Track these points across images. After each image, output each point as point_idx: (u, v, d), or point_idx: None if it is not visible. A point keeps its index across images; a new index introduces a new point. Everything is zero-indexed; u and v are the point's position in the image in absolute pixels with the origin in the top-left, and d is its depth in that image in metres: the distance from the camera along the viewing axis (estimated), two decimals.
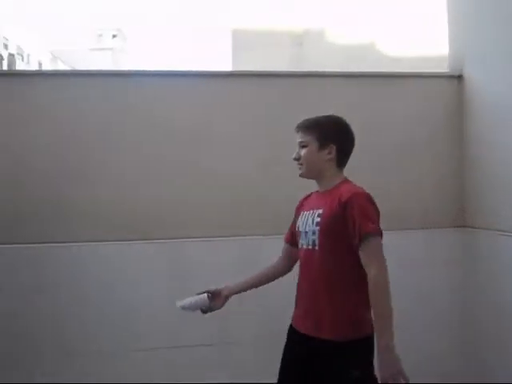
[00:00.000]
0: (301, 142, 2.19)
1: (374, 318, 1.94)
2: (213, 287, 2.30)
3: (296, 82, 3.62)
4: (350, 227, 1.99)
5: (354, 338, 2.00)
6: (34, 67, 30.36)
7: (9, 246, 3.22)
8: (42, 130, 3.34)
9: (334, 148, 2.15)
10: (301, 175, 2.22)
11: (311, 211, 2.16)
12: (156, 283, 3.35)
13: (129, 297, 3.32)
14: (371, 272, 1.94)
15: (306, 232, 2.14)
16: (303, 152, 2.17)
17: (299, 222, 2.23)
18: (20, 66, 27.29)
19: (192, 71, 3.60)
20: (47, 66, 31.11)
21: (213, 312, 2.32)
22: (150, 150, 3.42)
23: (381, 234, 2.01)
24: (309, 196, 2.32)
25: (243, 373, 3.31)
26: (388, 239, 2.06)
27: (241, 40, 10.57)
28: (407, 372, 1.85)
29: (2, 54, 24.72)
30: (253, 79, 3.59)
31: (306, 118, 2.23)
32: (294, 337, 2.18)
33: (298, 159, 2.20)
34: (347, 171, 2.23)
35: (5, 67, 23.09)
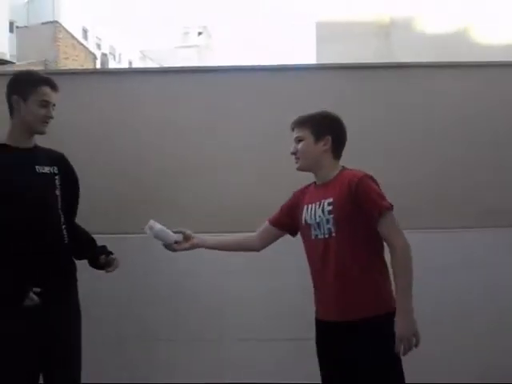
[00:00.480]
0: (297, 137, 2.31)
1: (397, 284, 2.10)
2: (188, 231, 2.46)
3: (383, 74, 3.51)
4: (365, 207, 2.13)
5: (379, 314, 2.12)
6: (124, 66, 31.68)
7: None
8: (134, 125, 3.45)
9: (329, 139, 2.28)
10: (298, 168, 2.33)
11: (317, 202, 2.25)
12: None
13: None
14: (398, 242, 2.11)
15: (318, 223, 2.23)
16: (300, 146, 2.29)
17: (305, 216, 2.30)
18: (112, 64, 28.58)
19: (277, 65, 3.59)
20: (137, 64, 32.35)
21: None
22: (245, 143, 3.42)
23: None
24: (307, 188, 2.41)
25: None
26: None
27: (325, 32, 10.45)
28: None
29: (96, 54, 26.01)
30: (339, 72, 3.52)
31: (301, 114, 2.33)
32: (322, 328, 2.27)
33: (295, 153, 2.31)
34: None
35: (98, 66, 24.26)
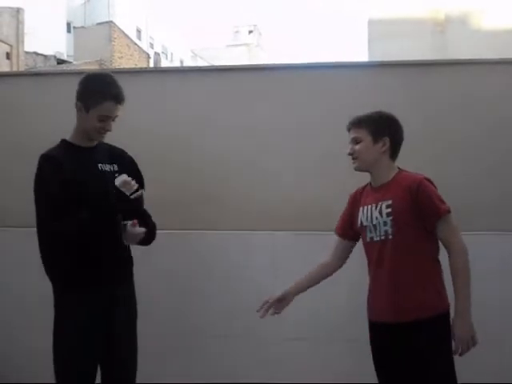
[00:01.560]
0: (354, 138, 2.28)
1: (455, 285, 2.10)
2: (278, 293, 2.38)
3: (439, 71, 3.42)
4: (425, 210, 2.13)
5: (433, 315, 2.11)
6: (176, 64, 32.18)
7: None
8: (189, 123, 3.48)
9: (387, 140, 2.24)
10: (356, 169, 2.31)
11: (373, 204, 2.23)
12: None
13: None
14: (457, 245, 2.13)
15: (375, 225, 2.21)
16: (357, 147, 2.26)
17: (361, 217, 2.28)
18: (164, 63, 29.08)
19: (329, 63, 3.56)
20: (188, 63, 32.80)
21: None
22: (299, 140, 3.41)
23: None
24: (362, 189, 2.38)
25: None
26: None
27: (377, 29, 10.29)
28: None
29: (149, 53, 26.54)
30: (391, 69, 3.45)
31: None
32: (376, 329, 2.26)
33: (351, 154, 2.28)
34: None
35: (151, 65, 24.75)
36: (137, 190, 2.29)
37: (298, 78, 3.47)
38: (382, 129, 2.25)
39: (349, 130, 2.32)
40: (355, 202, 2.37)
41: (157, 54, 26.34)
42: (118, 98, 2.32)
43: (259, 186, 3.42)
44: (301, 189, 3.38)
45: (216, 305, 3.40)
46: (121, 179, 2.28)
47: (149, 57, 25.97)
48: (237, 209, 3.41)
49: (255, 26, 44.69)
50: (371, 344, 2.30)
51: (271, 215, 3.38)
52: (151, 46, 31.95)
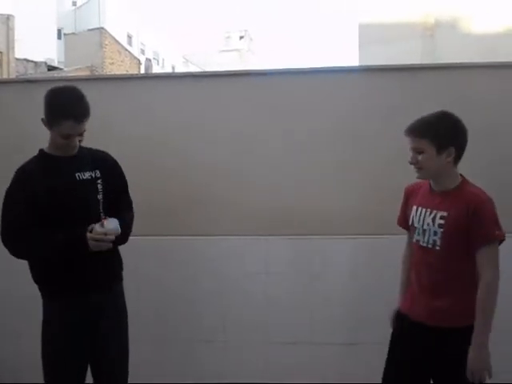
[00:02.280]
0: (416, 148, 2.16)
1: (477, 316, 2.06)
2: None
3: (429, 75, 3.43)
4: (474, 231, 2.07)
5: (466, 326, 2.10)
6: (168, 70, 32.17)
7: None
8: (178, 129, 3.48)
9: (453, 150, 2.14)
10: (419, 177, 2.24)
11: (430, 210, 2.19)
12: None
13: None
14: (487, 275, 2.07)
15: (425, 230, 2.19)
16: (420, 157, 2.15)
17: (414, 217, 2.25)
18: (155, 69, 29.05)
19: (320, 68, 3.55)
20: (179, 69, 32.81)
21: None
22: (288, 147, 3.41)
23: (502, 241, 2.12)
24: (419, 188, 2.31)
25: None
26: None
27: (367, 34, 10.34)
28: None
29: (140, 59, 26.51)
30: (383, 73, 3.46)
31: (419, 119, 2.19)
32: (403, 324, 2.29)
33: (414, 164, 2.19)
34: None
35: (142, 71, 24.71)
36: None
37: (289, 83, 3.47)
38: (446, 139, 2.13)
39: (407, 135, 2.19)
40: (410, 197, 2.34)
41: (148, 59, 26.31)
42: (77, 117, 2.23)
43: (248, 192, 3.41)
44: (291, 194, 3.39)
45: (207, 310, 3.41)
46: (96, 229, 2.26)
47: (140, 63, 25.93)
48: (226, 214, 3.42)
49: (246, 31, 44.78)
50: (397, 339, 2.32)
51: (261, 220, 3.39)
52: (142, 51, 31.94)
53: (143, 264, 3.37)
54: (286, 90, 3.45)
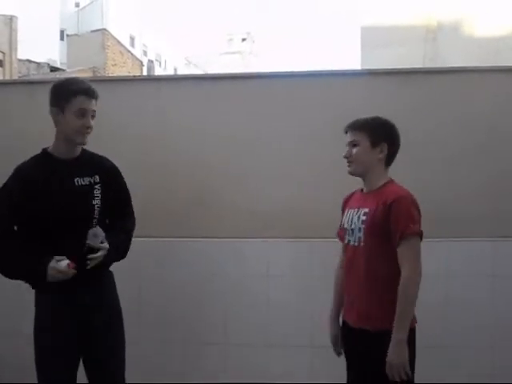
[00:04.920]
0: (352, 141, 2.25)
1: (396, 311, 2.05)
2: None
3: (432, 80, 3.43)
4: (392, 227, 2.09)
5: (384, 329, 2.07)
6: (170, 72, 32.20)
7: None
8: (179, 130, 3.48)
9: (385, 146, 2.23)
10: (350, 172, 2.29)
11: (356, 209, 2.26)
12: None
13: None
14: (407, 270, 2.07)
15: (353, 229, 2.24)
16: (355, 150, 2.24)
17: (344, 219, 2.33)
18: (157, 71, 29.10)
19: (322, 71, 3.55)
20: (182, 71, 32.84)
21: None
22: (290, 149, 3.41)
23: (421, 237, 2.13)
24: (353, 194, 2.40)
25: None
26: None
27: (370, 37, 10.34)
28: None
29: (142, 61, 26.55)
30: (386, 77, 3.46)
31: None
32: (344, 330, 2.32)
33: (348, 157, 2.26)
34: None
35: (144, 72, 24.76)
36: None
37: (290, 86, 3.47)
38: (381, 134, 2.23)
39: (346, 132, 2.29)
40: (346, 206, 2.40)
41: (150, 61, 26.36)
42: (88, 91, 2.28)
43: (249, 194, 3.41)
44: (293, 197, 3.37)
45: (209, 312, 3.40)
46: (91, 232, 2.27)
47: (142, 64, 25.99)
48: (227, 216, 3.41)
49: (248, 33, 44.83)
50: (343, 343, 2.37)
51: (262, 222, 3.38)
52: (145, 53, 31.99)
53: (144, 266, 3.37)
54: (287, 92, 3.45)
